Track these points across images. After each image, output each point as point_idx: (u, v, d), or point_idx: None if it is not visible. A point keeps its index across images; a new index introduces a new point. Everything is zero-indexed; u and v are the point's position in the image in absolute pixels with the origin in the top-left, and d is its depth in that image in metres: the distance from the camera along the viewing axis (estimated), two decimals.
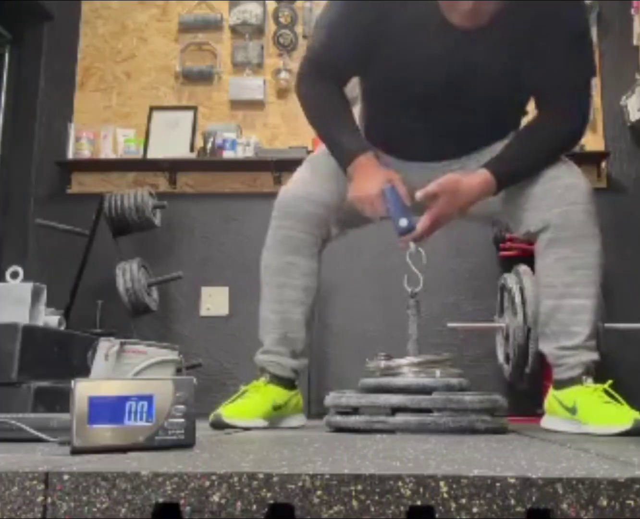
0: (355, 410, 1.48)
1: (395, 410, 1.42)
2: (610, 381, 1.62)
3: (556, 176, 1.63)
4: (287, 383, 1.77)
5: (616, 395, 1.58)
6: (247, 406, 1.66)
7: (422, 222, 1.61)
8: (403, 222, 1.57)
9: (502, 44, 1.59)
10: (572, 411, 1.59)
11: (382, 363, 1.57)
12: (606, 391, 1.59)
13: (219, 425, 1.57)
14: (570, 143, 1.74)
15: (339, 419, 1.51)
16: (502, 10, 1.53)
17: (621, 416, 1.46)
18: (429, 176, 1.66)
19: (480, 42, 1.57)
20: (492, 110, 1.71)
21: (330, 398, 1.56)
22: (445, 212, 1.62)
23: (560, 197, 1.60)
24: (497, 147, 1.71)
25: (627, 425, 1.41)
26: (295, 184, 1.78)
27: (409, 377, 1.51)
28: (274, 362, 1.76)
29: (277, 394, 1.72)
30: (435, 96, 1.66)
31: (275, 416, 1.70)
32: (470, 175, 1.63)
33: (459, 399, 1.42)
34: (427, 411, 1.40)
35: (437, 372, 1.50)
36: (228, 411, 1.61)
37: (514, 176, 1.65)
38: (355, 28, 1.63)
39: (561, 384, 1.66)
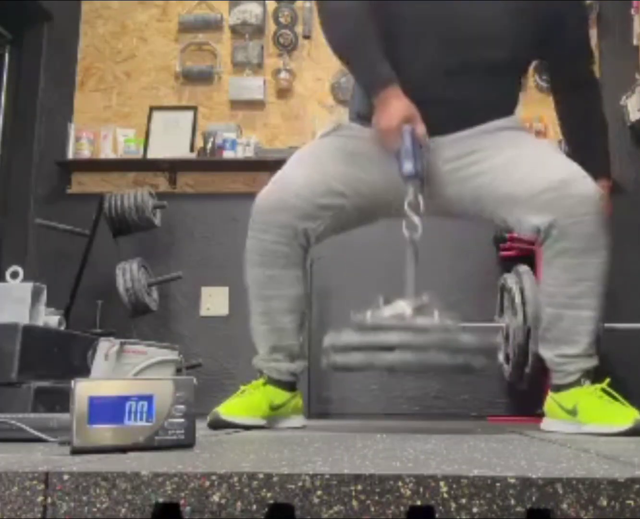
0: (354, 349, 1.46)
1: (394, 348, 1.40)
2: (607, 380, 1.61)
3: (567, 180, 1.59)
4: (286, 385, 1.76)
5: (615, 394, 1.58)
6: (246, 404, 1.65)
7: None
8: (408, 166, 1.54)
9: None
10: (573, 412, 1.59)
11: (381, 305, 1.52)
12: (605, 391, 1.59)
13: (217, 424, 1.56)
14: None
15: (338, 358, 1.48)
16: None
17: (622, 416, 1.46)
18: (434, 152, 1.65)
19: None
20: (499, 75, 1.71)
21: (329, 338, 1.53)
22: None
23: (571, 208, 1.57)
24: (502, 123, 1.72)
25: (627, 424, 1.41)
26: (271, 188, 1.72)
27: (406, 318, 1.47)
28: (271, 367, 1.76)
29: (275, 394, 1.72)
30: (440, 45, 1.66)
31: (274, 416, 1.70)
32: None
33: (457, 338, 1.41)
34: (425, 349, 1.39)
35: (436, 313, 1.46)
36: (226, 409, 1.60)
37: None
38: None
39: (560, 388, 1.67)
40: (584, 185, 1.60)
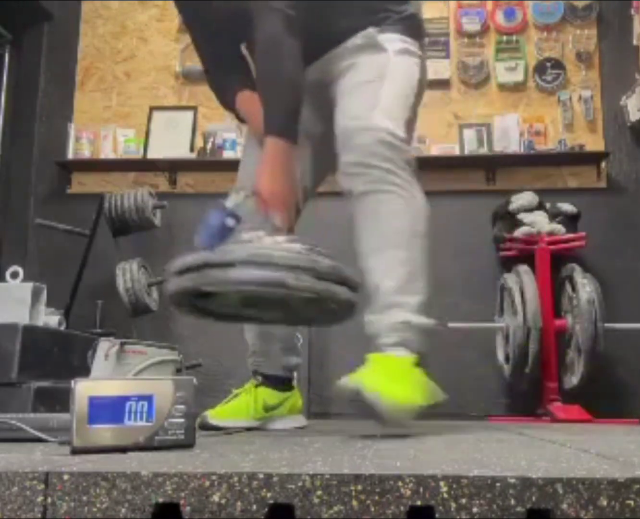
0: (188, 270, 1.33)
1: (205, 266, 1.29)
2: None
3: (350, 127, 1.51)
4: (279, 383, 1.76)
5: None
6: (234, 408, 1.68)
7: None
8: (201, 238, 1.39)
9: None
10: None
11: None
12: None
13: (204, 427, 1.57)
14: None
15: (170, 284, 1.37)
16: None
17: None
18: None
19: None
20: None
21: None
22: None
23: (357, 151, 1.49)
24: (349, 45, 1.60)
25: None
26: None
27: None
28: (260, 361, 1.77)
29: (269, 395, 1.72)
30: None
31: (269, 417, 1.71)
32: None
33: (265, 252, 1.25)
34: (232, 265, 1.25)
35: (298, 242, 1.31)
36: (213, 413, 1.62)
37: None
38: None
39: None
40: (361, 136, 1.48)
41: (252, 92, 1.60)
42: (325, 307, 1.38)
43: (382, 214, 1.47)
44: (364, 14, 1.61)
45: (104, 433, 0.85)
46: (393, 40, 1.60)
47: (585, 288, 3.09)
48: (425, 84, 1.70)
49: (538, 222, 3.43)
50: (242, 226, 1.39)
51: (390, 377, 1.32)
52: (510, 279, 3.32)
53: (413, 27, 1.65)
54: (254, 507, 0.62)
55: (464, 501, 0.60)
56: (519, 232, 3.44)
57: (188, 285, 1.32)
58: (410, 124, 1.57)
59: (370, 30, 1.59)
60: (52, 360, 2.44)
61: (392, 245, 1.47)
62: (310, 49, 1.60)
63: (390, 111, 1.51)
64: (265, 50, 1.50)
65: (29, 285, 2.56)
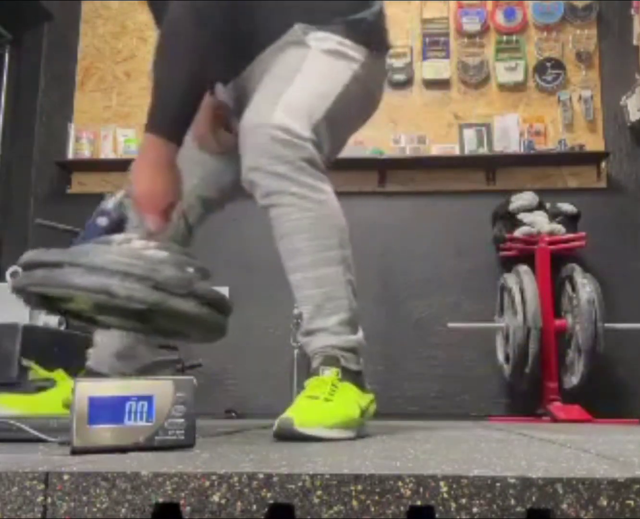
0: (37, 265, 1.23)
1: (38, 266, 1.20)
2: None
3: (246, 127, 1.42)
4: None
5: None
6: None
7: None
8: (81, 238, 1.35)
9: None
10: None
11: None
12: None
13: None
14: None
15: (23, 278, 1.26)
16: None
17: None
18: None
19: None
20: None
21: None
22: None
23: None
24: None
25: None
26: None
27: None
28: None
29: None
30: None
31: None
32: None
33: (105, 258, 1.13)
34: (59, 266, 1.15)
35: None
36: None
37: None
38: None
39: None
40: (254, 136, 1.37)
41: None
42: (189, 322, 1.22)
43: (284, 232, 1.35)
44: (300, 13, 1.48)
45: (104, 433, 0.85)
46: (325, 39, 1.46)
47: (585, 288, 3.10)
48: (366, 96, 1.55)
49: (538, 222, 3.44)
50: (128, 225, 1.35)
51: (312, 402, 1.20)
52: (510, 279, 3.33)
53: (360, 32, 1.49)
54: (254, 507, 0.62)
55: (464, 501, 0.60)
56: (519, 232, 3.44)
57: (18, 284, 1.23)
58: (324, 128, 1.38)
59: (296, 27, 1.46)
60: (52, 360, 2.44)
61: (300, 267, 1.35)
62: (243, 50, 1.52)
63: (295, 108, 1.36)
64: (161, 39, 1.38)
65: None
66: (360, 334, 1.38)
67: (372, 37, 1.53)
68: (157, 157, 1.34)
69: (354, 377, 1.31)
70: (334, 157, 1.44)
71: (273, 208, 1.34)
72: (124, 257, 1.14)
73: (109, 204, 1.40)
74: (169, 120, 1.34)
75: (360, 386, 1.32)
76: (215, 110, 1.61)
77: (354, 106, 1.50)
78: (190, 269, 1.22)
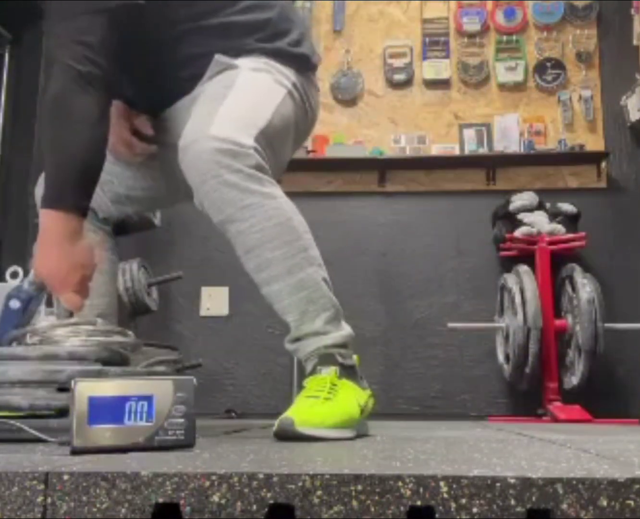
0: None
1: None
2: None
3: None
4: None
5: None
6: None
7: None
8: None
9: None
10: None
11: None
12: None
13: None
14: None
15: None
16: None
17: None
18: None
19: None
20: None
21: None
22: None
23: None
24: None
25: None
26: None
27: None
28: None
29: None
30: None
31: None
32: None
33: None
34: None
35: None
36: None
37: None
38: None
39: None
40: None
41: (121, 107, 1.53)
42: None
43: (250, 246, 1.31)
44: (219, 50, 1.44)
45: (104, 433, 0.85)
46: (252, 60, 1.45)
47: (585, 288, 3.10)
48: (301, 114, 1.52)
49: (538, 222, 3.44)
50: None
51: (312, 401, 1.20)
52: (510, 279, 3.33)
53: (281, 56, 1.48)
54: (254, 507, 0.62)
55: (464, 501, 0.60)
56: (519, 232, 3.44)
57: None
58: (264, 144, 1.34)
59: (217, 56, 1.43)
60: None
61: (275, 278, 1.31)
62: (164, 89, 1.49)
63: (234, 119, 1.33)
64: (46, 113, 1.35)
65: None
66: (347, 327, 1.37)
67: (295, 61, 1.51)
68: (60, 233, 1.29)
69: (351, 372, 1.31)
70: (276, 179, 1.39)
71: (232, 224, 1.31)
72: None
73: (24, 284, 1.35)
74: (69, 192, 1.30)
75: (357, 381, 1.32)
76: (124, 119, 1.58)
77: (291, 123, 1.48)
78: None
